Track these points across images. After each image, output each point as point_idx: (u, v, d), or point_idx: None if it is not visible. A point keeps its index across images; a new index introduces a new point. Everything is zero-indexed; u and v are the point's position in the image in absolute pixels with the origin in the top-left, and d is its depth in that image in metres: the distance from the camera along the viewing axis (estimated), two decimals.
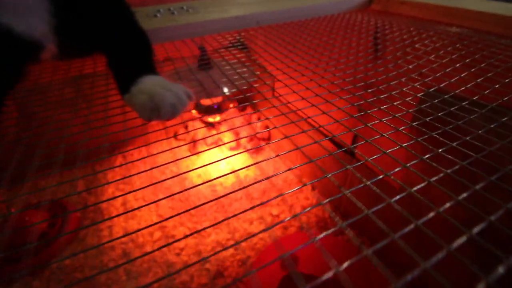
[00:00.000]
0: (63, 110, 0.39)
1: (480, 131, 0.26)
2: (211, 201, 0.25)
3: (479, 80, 0.31)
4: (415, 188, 0.20)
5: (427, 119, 0.28)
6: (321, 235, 0.20)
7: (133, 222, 0.85)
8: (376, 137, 0.26)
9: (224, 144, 1.01)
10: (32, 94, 0.52)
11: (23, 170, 0.27)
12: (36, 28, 0.26)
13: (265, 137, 1.07)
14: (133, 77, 0.28)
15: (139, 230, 0.23)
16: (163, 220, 0.23)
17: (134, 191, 0.25)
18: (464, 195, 0.20)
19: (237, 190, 0.26)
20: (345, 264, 0.18)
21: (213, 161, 0.30)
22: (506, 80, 0.31)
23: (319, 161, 0.24)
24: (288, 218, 0.22)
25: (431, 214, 0.19)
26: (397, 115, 0.28)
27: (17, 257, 0.74)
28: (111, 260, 0.75)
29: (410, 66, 0.35)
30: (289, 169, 0.27)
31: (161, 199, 0.25)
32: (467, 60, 0.34)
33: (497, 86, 0.31)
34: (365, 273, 0.57)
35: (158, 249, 0.22)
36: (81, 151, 0.28)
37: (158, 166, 0.29)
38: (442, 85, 0.32)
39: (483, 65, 0.33)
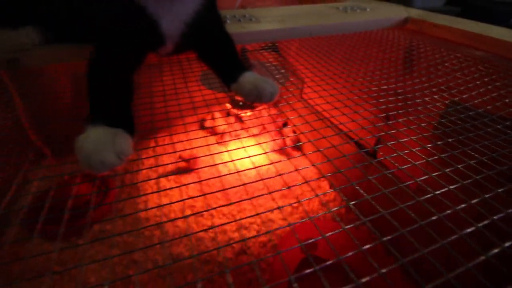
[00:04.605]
0: None
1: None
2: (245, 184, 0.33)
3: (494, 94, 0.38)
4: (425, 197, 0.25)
5: (447, 129, 0.34)
6: (351, 225, 0.26)
7: (165, 200, 0.94)
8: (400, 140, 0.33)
9: (253, 135, 1.09)
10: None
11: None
12: (176, 29, 0.35)
13: (293, 139, 1.13)
14: (238, 71, 0.38)
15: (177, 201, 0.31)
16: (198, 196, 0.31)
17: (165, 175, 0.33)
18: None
19: (258, 180, 0.34)
20: (366, 246, 0.22)
21: (237, 151, 0.37)
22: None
23: (340, 162, 0.30)
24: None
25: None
26: (422, 124, 0.35)
27: (65, 219, 0.84)
28: (146, 229, 0.85)
29: (440, 80, 0.42)
30: (312, 165, 0.34)
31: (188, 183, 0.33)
32: (486, 79, 0.41)
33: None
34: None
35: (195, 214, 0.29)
36: None
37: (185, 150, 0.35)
38: (457, 97, 0.39)
39: (498, 83, 0.39)
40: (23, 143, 0.79)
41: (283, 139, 1.11)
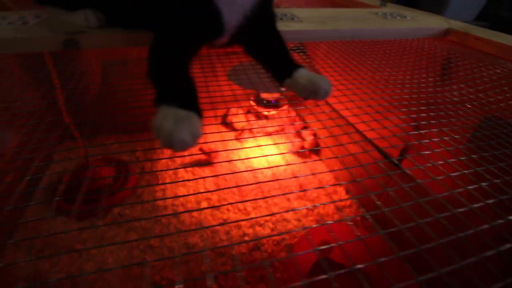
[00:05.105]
0: (137, 81, 0.44)
1: None
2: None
3: None
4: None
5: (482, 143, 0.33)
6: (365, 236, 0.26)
7: (183, 190, 0.96)
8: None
9: (271, 134, 1.09)
10: (115, 67, 0.62)
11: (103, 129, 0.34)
12: (236, 20, 0.36)
13: (313, 143, 1.13)
14: (292, 67, 0.38)
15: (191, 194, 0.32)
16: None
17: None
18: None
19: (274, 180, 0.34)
20: (382, 259, 0.21)
21: (256, 149, 0.36)
22: None
23: (361, 169, 0.30)
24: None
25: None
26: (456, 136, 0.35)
27: (87, 200, 0.87)
28: (164, 217, 0.87)
29: (481, 95, 0.41)
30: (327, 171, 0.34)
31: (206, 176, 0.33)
32: None
33: None
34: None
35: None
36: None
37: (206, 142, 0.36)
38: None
39: None
40: (57, 124, 0.82)
41: (303, 141, 1.11)
